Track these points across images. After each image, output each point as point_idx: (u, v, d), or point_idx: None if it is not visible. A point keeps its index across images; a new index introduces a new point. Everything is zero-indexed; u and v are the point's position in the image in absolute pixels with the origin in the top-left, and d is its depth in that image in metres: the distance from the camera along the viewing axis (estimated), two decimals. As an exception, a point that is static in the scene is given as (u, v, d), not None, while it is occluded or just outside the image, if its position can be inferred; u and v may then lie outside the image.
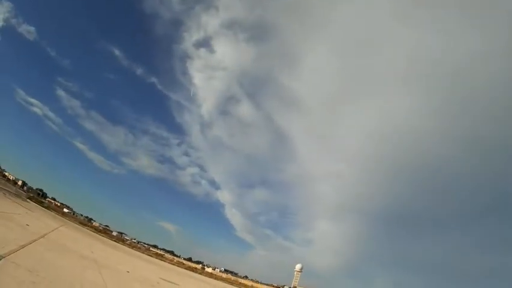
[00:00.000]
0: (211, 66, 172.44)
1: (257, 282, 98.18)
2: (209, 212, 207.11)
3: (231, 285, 74.70)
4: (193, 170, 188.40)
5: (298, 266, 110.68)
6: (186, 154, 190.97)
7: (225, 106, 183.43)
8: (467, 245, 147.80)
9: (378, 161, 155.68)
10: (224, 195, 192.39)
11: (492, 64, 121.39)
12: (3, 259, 9.49)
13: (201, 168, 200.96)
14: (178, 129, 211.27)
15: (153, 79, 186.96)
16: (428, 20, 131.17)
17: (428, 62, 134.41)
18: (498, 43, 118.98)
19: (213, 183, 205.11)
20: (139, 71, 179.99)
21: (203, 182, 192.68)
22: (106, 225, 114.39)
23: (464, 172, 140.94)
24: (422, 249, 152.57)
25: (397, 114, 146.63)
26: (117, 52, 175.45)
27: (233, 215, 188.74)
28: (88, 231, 72.94)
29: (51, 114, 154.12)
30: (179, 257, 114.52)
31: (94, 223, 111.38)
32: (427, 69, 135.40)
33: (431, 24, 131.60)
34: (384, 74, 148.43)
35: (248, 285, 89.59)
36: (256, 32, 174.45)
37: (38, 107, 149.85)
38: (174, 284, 28.24)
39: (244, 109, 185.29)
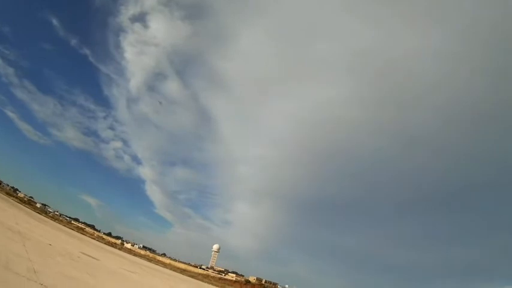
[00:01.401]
0: (144, 42, 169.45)
1: (175, 260, 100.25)
2: (130, 188, 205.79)
3: (148, 262, 76.22)
4: (117, 144, 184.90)
5: (215, 246, 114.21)
6: (111, 128, 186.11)
7: (153, 82, 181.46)
8: (386, 237, 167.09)
9: (304, 148, 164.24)
10: (146, 172, 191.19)
11: (422, 62, 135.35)
12: None
13: (125, 143, 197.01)
14: (105, 103, 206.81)
15: (86, 50, 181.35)
16: (369, 15, 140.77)
17: (363, 55, 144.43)
18: (431, 43, 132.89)
19: (135, 159, 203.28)
20: (73, 42, 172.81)
21: (126, 157, 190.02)
22: (30, 197, 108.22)
23: (390, 164, 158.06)
24: (343, 239, 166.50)
25: (327, 103, 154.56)
26: (55, 22, 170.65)
27: (153, 192, 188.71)
28: (13, 201, 69.29)
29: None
30: (99, 231, 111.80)
31: (19, 194, 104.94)
32: (360, 61, 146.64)
33: (371, 20, 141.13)
34: (318, 63, 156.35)
35: (166, 263, 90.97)
36: (193, 11, 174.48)
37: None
38: (95, 259, 29.61)
39: (172, 87, 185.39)
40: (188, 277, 71.15)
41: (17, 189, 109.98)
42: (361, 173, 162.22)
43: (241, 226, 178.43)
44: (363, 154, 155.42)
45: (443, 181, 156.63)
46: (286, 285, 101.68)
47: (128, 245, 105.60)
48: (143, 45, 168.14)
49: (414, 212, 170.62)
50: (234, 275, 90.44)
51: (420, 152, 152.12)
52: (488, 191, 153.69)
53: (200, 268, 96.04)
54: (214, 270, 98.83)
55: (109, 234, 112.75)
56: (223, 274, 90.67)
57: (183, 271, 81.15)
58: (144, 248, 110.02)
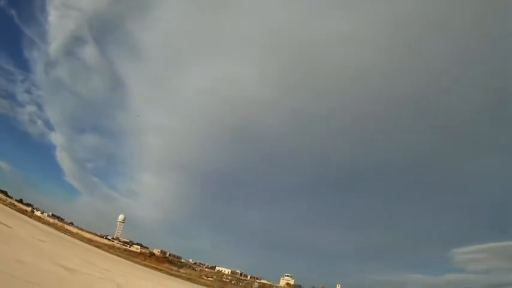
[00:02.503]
0: (68, 5, 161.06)
1: (82, 230, 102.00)
2: (42, 154, 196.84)
3: (57, 231, 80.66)
4: (32, 108, 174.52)
5: (121, 217, 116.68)
6: (28, 92, 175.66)
7: (72, 47, 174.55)
8: (294, 216, 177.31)
9: (213, 122, 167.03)
10: (57, 138, 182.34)
11: (344, 48, 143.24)
12: None
13: (39, 107, 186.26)
14: (25, 66, 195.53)
15: (13, 12, 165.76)
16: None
17: (282, 36, 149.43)
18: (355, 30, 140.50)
19: (48, 124, 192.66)
20: (2, 3, 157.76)
21: (39, 122, 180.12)
22: None
23: (293, 144, 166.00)
24: (248, 215, 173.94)
25: (239, 79, 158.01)
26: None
27: (63, 159, 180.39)
28: None
29: None
30: (12, 198, 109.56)
31: None
32: (278, 41, 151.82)
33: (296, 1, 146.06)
34: (236, 40, 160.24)
35: (74, 232, 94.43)
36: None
37: None
38: (8, 226, 35.36)
39: (89, 52, 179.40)
40: (94, 247, 78.21)
41: None
42: (266, 151, 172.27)
43: (148, 197, 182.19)
44: (270, 133, 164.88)
45: (352, 162, 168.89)
46: (190, 259, 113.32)
47: (38, 213, 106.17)
48: (66, 9, 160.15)
49: (321, 191, 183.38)
50: (139, 246, 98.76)
51: (326, 134, 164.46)
52: (395, 174, 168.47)
53: (106, 239, 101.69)
54: (120, 241, 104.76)
55: (20, 201, 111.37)
56: (128, 246, 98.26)
57: (89, 241, 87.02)
58: (53, 216, 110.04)
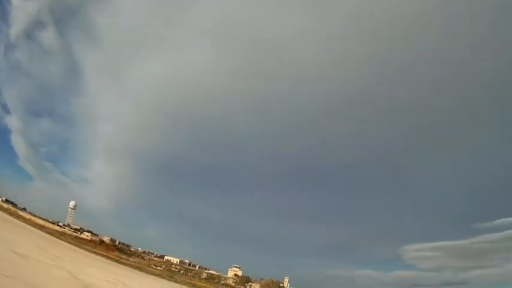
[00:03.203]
0: None
1: (34, 216, 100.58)
2: None
3: (10, 217, 79.13)
4: None
5: (72, 203, 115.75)
6: None
7: (32, 31, 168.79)
8: (245, 208, 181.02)
9: (165, 112, 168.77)
10: (13, 121, 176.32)
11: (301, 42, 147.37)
12: None
13: None
14: None
15: None
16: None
17: (240, 27, 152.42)
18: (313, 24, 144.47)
19: (4, 108, 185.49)
20: None
21: None
22: None
23: (246, 135, 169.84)
24: (199, 206, 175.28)
25: (194, 69, 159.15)
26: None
27: (18, 143, 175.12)
28: None
29: None
30: None
31: None
32: (231, 35, 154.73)
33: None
34: (193, 31, 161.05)
35: (27, 218, 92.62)
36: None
37: None
38: None
39: (49, 36, 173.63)
40: (46, 234, 78.06)
41: None
42: (219, 141, 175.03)
43: (99, 184, 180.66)
44: (222, 123, 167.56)
45: (308, 157, 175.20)
46: (139, 248, 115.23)
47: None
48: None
49: (274, 184, 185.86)
50: (90, 234, 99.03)
51: (282, 127, 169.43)
52: (349, 171, 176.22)
53: (57, 225, 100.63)
54: (71, 228, 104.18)
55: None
56: (79, 233, 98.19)
57: (42, 227, 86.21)
58: (7, 201, 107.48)
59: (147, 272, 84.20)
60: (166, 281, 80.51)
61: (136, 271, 79.12)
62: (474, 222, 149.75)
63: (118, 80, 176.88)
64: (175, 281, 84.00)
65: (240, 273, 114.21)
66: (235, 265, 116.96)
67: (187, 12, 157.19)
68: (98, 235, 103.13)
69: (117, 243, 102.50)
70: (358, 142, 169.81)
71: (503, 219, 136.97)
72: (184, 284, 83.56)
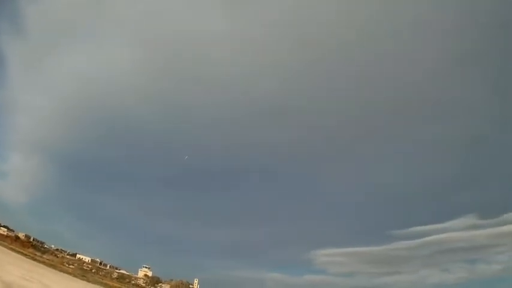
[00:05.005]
0: None
1: None
2: None
3: None
4: None
5: None
6: None
7: None
8: (154, 208, 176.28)
9: (84, 108, 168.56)
10: None
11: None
12: None
13: None
14: None
15: None
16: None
17: (160, 25, 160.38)
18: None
19: None
20: None
21: None
22: None
23: (162, 135, 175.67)
24: (110, 204, 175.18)
25: (113, 66, 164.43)
26: None
27: None
28: None
29: None
30: None
31: None
32: (152, 34, 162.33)
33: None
34: (117, 27, 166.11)
35: None
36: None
37: None
38: None
39: None
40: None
41: None
42: (135, 141, 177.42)
43: (15, 178, 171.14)
44: (139, 122, 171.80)
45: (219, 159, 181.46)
46: (52, 245, 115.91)
47: None
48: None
49: (186, 186, 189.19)
50: (6, 229, 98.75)
51: (194, 127, 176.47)
52: (254, 173, 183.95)
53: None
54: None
55: None
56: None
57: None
58: None
59: (61, 270, 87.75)
60: (79, 280, 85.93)
61: (51, 269, 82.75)
62: (389, 230, 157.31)
63: (41, 73, 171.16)
64: (88, 280, 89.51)
65: (150, 273, 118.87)
66: (145, 265, 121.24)
67: (113, 9, 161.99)
68: (13, 231, 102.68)
69: (31, 240, 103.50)
70: (274, 144, 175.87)
71: (418, 228, 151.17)
72: (97, 283, 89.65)
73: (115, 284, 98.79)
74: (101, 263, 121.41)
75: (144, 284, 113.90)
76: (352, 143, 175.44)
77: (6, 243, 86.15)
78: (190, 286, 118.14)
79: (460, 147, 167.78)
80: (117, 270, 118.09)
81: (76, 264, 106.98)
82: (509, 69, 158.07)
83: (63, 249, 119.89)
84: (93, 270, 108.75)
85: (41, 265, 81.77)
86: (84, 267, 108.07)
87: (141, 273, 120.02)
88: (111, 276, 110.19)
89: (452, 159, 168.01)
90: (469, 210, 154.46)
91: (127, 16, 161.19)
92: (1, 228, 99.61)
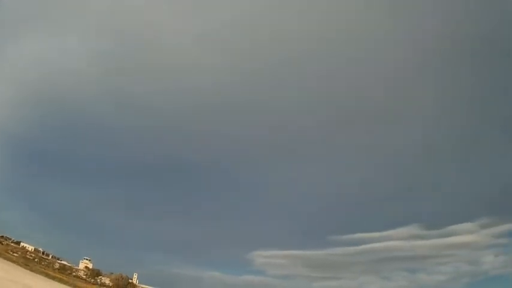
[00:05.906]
0: None
1: None
2: None
3: None
4: None
5: None
6: None
7: None
8: (97, 198, 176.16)
9: (41, 95, 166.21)
10: None
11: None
12: None
13: None
14: None
15: None
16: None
17: (121, 20, 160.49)
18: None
19: None
20: None
21: None
22: None
23: (115, 125, 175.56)
24: (53, 192, 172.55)
25: (71, 54, 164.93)
26: None
27: None
28: None
29: None
30: None
31: None
32: (117, 25, 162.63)
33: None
34: (75, 16, 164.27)
35: None
36: None
37: None
38: None
39: None
40: None
41: None
42: (88, 130, 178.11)
43: None
44: (93, 112, 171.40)
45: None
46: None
47: None
48: None
49: (135, 179, 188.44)
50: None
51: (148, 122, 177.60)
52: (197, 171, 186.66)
53: None
54: None
55: None
56: None
57: None
58: None
59: (5, 258, 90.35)
60: (22, 268, 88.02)
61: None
62: (330, 235, 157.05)
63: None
64: (31, 270, 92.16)
65: (90, 265, 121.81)
66: (86, 257, 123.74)
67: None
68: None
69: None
70: (219, 141, 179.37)
71: (360, 234, 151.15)
72: (39, 273, 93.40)
73: (56, 275, 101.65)
74: (43, 253, 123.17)
75: (84, 276, 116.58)
76: (296, 144, 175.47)
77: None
78: (130, 280, 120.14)
79: (409, 156, 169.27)
80: (59, 261, 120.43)
81: (20, 253, 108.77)
82: (454, 77, 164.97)
83: (8, 236, 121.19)
84: (35, 260, 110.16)
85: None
86: (27, 256, 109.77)
87: (82, 265, 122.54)
88: (53, 266, 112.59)
89: (402, 168, 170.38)
90: (413, 220, 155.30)
91: (91, 7, 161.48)
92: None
